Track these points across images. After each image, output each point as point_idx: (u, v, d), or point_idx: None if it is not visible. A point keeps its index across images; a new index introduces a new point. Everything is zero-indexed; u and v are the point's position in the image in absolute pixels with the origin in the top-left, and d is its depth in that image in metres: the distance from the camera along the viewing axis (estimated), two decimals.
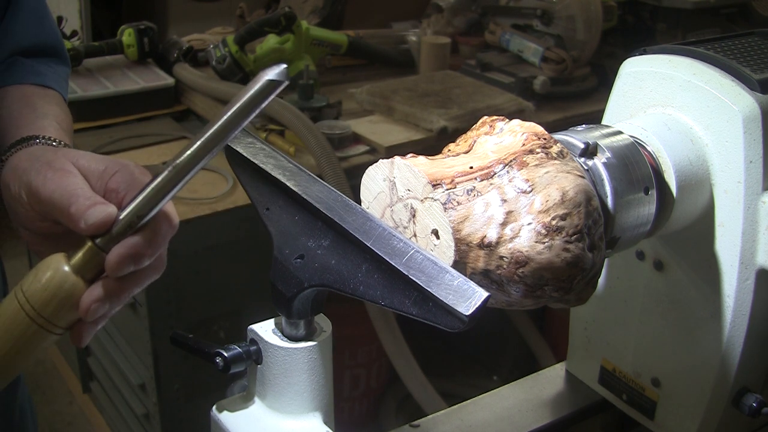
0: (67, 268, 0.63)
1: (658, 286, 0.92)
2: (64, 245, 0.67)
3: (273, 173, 0.70)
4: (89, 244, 0.63)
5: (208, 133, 0.60)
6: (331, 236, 0.65)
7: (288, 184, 0.69)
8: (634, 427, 1.00)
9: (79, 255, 0.64)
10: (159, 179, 0.61)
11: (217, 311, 1.83)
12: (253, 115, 0.60)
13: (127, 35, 2.34)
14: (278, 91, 0.59)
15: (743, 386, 0.89)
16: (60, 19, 2.71)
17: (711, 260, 0.85)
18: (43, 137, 0.82)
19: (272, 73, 0.59)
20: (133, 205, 0.62)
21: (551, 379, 1.09)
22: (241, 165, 0.74)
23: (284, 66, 0.60)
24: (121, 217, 0.63)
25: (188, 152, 0.60)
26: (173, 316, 1.75)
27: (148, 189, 0.62)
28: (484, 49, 2.61)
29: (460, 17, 2.72)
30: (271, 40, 2.30)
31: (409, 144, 2.02)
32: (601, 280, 0.97)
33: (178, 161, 0.60)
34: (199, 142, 0.60)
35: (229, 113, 0.59)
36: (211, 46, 2.28)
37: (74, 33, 2.60)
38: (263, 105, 0.60)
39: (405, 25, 2.84)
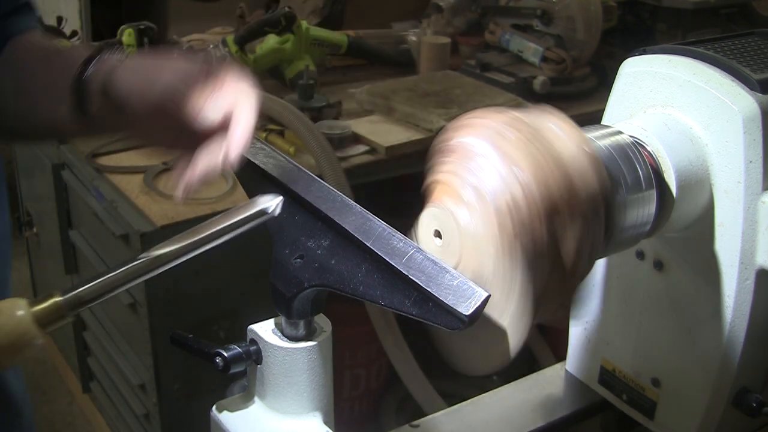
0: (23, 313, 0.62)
1: (658, 286, 0.92)
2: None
3: (273, 173, 0.70)
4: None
5: (193, 239, 0.65)
6: (331, 236, 0.65)
7: (288, 184, 0.69)
8: (634, 427, 1.00)
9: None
10: (134, 264, 0.64)
11: (217, 311, 1.82)
12: (236, 233, 0.66)
13: (127, 35, 2.33)
14: (265, 219, 0.66)
15: (743, 386, 0.89)
16: (60, 19, 2.71)
17: (711, 260, 0.85)
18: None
19: (265, 203, 0.67)
20: (104, 278, 0.63)
21: (551, 379, 1.09)
22: (240, 165, 0.74)
23: (281, 198, 0.66)
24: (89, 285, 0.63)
25: (168, 249, 0.64)
26: (173, 316, 1.74)
27: (122, 269, 0.64)
28: (484, 49, 2.60)
29: (460, 17, 2.72)
30: (271, 40, 2.30)
31: (409, 144, 2.02)
32: (601, 280, 0.97)
33: (157, 253, 0.64)
34: (181, 244, 0.65)
35: (218, 228, 0.66)
36: (211, 46, 2.28)
37: (74, 33, 2.60)
38: (249, 226, 0.66)
39: (405, 25, 2.83)
